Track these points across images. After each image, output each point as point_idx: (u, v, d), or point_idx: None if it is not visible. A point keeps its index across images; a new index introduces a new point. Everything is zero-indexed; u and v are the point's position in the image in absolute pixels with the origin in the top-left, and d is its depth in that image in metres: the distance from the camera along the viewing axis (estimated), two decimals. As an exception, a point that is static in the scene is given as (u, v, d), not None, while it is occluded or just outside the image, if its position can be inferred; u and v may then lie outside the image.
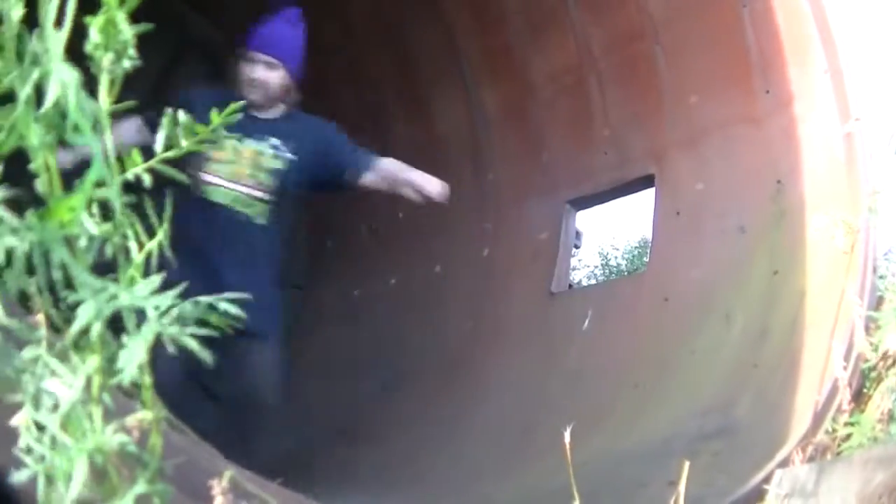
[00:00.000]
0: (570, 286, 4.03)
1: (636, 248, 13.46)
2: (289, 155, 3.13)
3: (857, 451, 1.94)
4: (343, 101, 4.91)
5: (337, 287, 4.88)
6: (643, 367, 3.12)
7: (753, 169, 3.13)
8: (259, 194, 3.08)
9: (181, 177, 0.88)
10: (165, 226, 0.86)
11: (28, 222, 0.75)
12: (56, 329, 0.83)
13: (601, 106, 3.77)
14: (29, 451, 0.84)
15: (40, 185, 0.80)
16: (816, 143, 2.92)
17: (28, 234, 0.73)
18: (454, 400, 3.70)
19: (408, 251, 4.54)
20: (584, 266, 13.71)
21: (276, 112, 3.21)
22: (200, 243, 2.95)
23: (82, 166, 0.81)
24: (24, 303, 0.83)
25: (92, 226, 0.76)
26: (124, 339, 0.79)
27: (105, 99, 0.81)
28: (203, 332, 0.79)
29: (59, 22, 0.77)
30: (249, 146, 3.06)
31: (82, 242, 0.76)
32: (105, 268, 0.82)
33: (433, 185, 3.09)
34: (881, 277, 2.66)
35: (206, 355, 0.79)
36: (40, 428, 0.83)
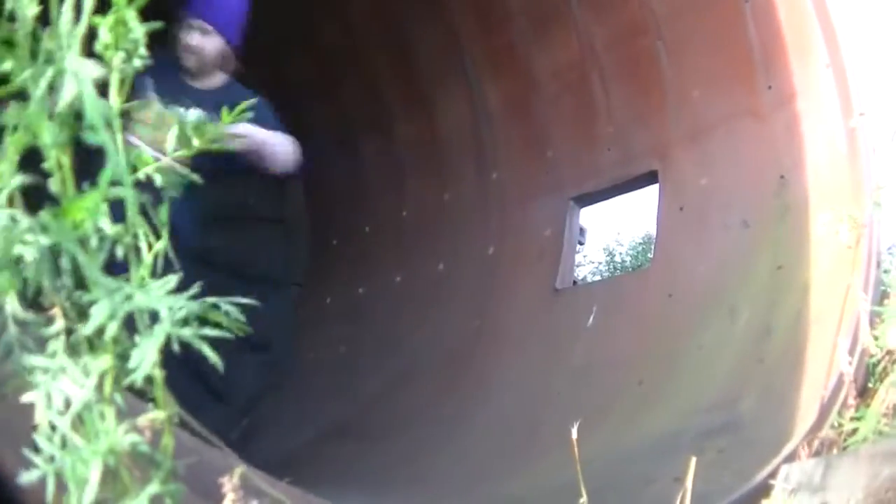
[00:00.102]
0: (575, 283, 4.04)
1: (640, 244, 13.46)
2: None
3: (864, 445, 1.94)
4: (345, 100, 4.92)
5: (341, 285, 4.89)
6: (648, 363, 3.12)
7: (757, 164, 3.13)
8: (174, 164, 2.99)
9: (194, 177, 0.88)
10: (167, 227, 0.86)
11: (42, 222, 0.75)
12: (69, 327, 0.83)
13: (604, 103, 3.77)
14: (37, 450, 0.84)
15: (53, 185, 0.80)
16: (819, 137, 2.92)
17: (42, 234, 0.73)
18: (458, 398, 3.71)
19: (412, 249, 4.54)
20: (589, 262, 13.71)
21: (212, 81, 3.10)
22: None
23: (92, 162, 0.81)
24: (36, 300, 0.83)
25: (107, 226, 0.76)
26: (136, 339, 0.79)
27: (116, 98, 0.81)
28: (214, 333, 0.80)
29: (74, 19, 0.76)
30: (174, 113, 3.00)
31: (94, 242, 0.76)
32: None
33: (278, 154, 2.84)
34: (885, 272, 2.66)
35: (216, 359, 0.79)
36: (50, 428, 0.83)
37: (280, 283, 4.97)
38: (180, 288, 0.81)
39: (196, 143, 0.90)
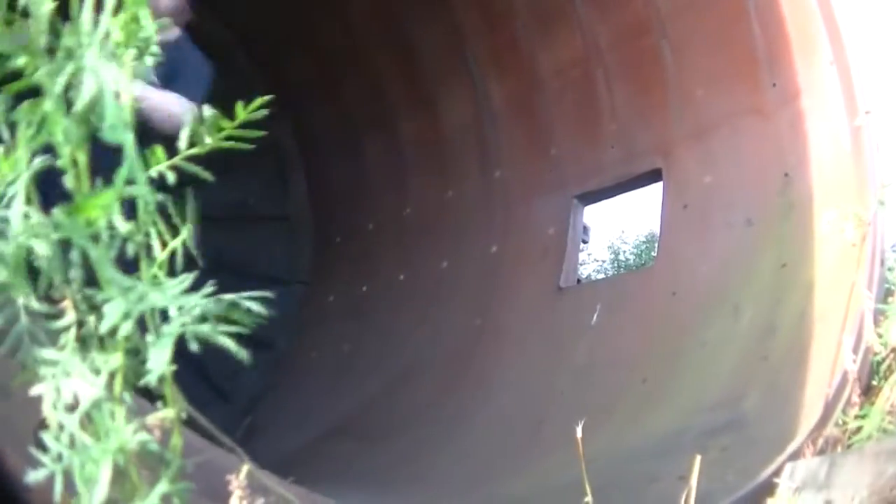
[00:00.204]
0: (579, 281, 4.03)
1: (644, 242, 13.46)
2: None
3: (868, 443, 1.94)
4: (347, 99, 4.92)
5: (343, 283, 4.89)
6: (652, 361, 3.12)
7: (760, 162, 3.13)
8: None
9: (205, 175, 0.87)
10: (189, 225, 0.86)
11: (54, 219, 0.74)
12: (79, 320, 0.82)
13: (608, 101, 3.77)
14: (43, 449, 0.83)
15: (68, 182, 0.79)
16: (824, 135, 2.91)
17: (55, 231, 0.73)
18: (460, 397, 3.71)
19: (415, 247, 4.54)
20: (593, 261, 13.72)
21: (166, 34, 3.02)
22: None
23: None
24: (47, 293, 0.82)
25: (122, 224, 0.76)
26: (147, 337, 0.79)
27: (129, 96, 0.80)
28: (233, 329, 0.79)
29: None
30: None
31: (106, 240, 0.76)
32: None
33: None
34: (889, 270, 2.66)
35: (242, 354, 0.79)
36: (58, 426, 0.82)
37: (283, 282, 4.98)
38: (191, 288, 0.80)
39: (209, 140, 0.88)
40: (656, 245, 3.84)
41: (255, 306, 0.81)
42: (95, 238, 0.75)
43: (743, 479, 2.07)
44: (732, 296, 2.99)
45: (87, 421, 0.82)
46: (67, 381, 0.79)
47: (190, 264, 0.89)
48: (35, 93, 0.78)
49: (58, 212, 0.76)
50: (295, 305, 4.95)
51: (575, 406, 3.07)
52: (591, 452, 1.89)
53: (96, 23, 0.76)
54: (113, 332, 0.77)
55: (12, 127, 0.80)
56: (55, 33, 0.77)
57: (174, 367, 0.83)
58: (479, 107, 4.31)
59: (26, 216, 0.74)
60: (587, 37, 3.80)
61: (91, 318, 0.82)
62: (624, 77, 3.72)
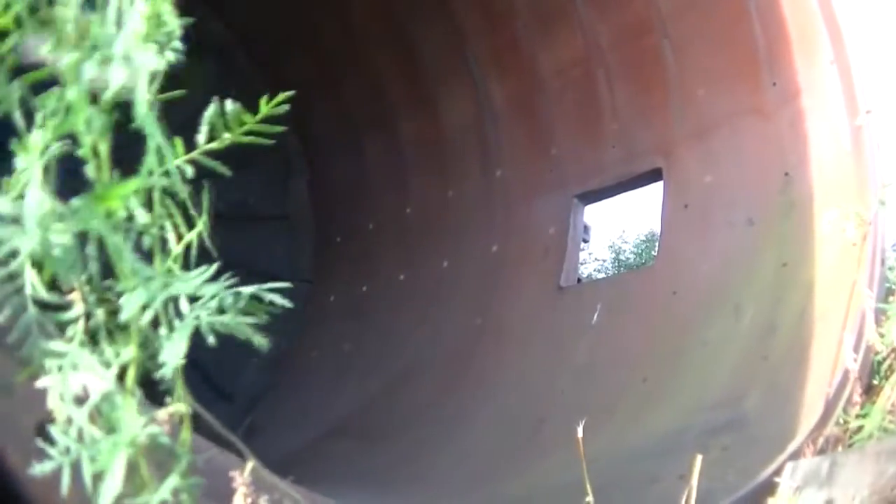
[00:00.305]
0: (580, 281, 4.03)
1: (645, 241, 13.46)
2: None
3: (869, 442, 1.94)
4: (348, 99, 4.92)
5: (344, 283, 4.89)
6: (652, 360, 3.11)
7: (761, 161, 3.13)
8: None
9: (223, 169, 0.86)
10: (205, 218, 0.85)
11: (74, 208, 0.73)
12: (87, 312, 0.82)
13: (609, 100, 3.77)
14: (51, 442, 0.83)
15: (89, 171, 0.78)
16: (824, 134, 2.91)
17: (75, 221, 0.72)
18: (460, 396, 3.70)
19: (415, 247, 4.54)
20: (594, 260, 13.72)
21: None
22: None
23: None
24: (54, 284, 0.82)
25: (142, 214, 0.75)
26: (160, 330, 0.78)
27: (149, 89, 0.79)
28: (255, 320, 0.79)
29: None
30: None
31: (125, 230, 0.75)
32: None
33: None
34: (890, 269, 2.66)
35: (262, 342, 0.79)
36: (66, 420, 0.81)
37: (283, 281, 4.96)
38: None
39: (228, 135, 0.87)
40: (657, 244, 3.84)
41: (278, 298, 0.81)
42: (115, 228, 0.74)
43: (744, 478, 2.07)
44: (733, 295, 2.99)
45: (97, 414, 0.81)
46: (76, 374, 0.78)
47: (200, 260, 0.88)
48: (50, 83, 0.77)
49: (77, 201, 0.74)
50: (296, 305, 4.94)
51: (576, 405, 3.07)
52: (591, 452, 1.89)
53: (120, 15, 0.75)
54: (126, 325, 0.76)
55: (29, 116, 0.79)
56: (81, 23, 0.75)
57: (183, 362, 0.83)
58: (480, 107, 4.31)
59: (45, 204, 0.73)
60: (588, 37, 3.80)
61: (99, 312, 0.81)
62: (625, 77, 3.71)
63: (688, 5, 3.40)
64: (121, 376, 0.81)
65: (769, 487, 1.92)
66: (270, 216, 5.24)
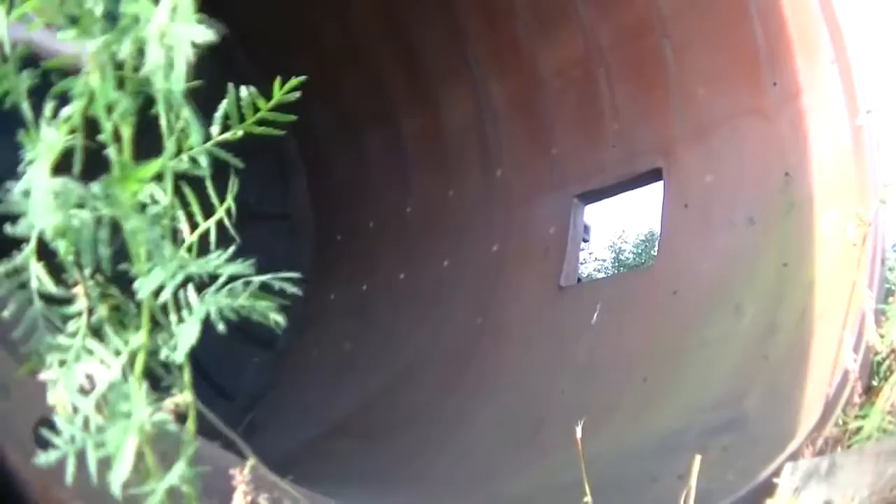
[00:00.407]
0: (580, 280, 4.03)
1: (645, 241, 13.47)
2: None
3: (869, 443, 1.94)
4: (348, 98, 4.92)
5: (344, 282, 4.89)
6: (652, 360, 3.11)
7: (762, 161, 3.13)
8: None
9: (235, 161, 0.86)
10: (229, 204, 0.84)
11: (95, 192, 0.73)
12: (90, 309, 0.81)
13: (609, 100, 3.77)
14: (47, 442, 0.82)
15: (111, 154, 0.77)
16: (825, 134, 2.91)
17: (98, 205, 0.71)
18: (460, 396, 3.70)
19: (416, 246, 4.54)
20: (594, 259, 13.72)
21: None
22: None
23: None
24: (59, 277, 0.81)
25: (162, 196, 0.74)
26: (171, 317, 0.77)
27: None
28: (271, 304, 0.79)
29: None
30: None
31: (144, 213, 0.75)
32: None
33: None
34: (890, 270, 2.66)
35: (279, 319, 0.79)
36: (72, 409, 0.81)
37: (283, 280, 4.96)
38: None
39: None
40: (657, 244, 3.84)
41: (288, 286, 0.81)
42: (134, 210, 0.74)
43: (743, 478, 2.07)
44: (733, 295, 2.99)
45: (103, 403, 0.80)
46: (81, 365, 0.78)
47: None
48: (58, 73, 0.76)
49: (98, 185, 0.74)
50: (296, 303, 4.94)
51: (576, 405, 3.07)
52: (591, 451, 1.89)
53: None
54: (131, 317, 0.75)
55: (38, 104, 0.79)
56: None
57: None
58: (481, 106, 4.31)
59: (66, 187, 0.72)
60: (588, 37, 3.80)
61: (102, 307, 0.81)
62: (625, 77, 3.71)
63: (688, 5, 3.40)
64: (131, 363, 0.81)
65: (768, 488, 1.92)
66: (271, 215, 5.24)
